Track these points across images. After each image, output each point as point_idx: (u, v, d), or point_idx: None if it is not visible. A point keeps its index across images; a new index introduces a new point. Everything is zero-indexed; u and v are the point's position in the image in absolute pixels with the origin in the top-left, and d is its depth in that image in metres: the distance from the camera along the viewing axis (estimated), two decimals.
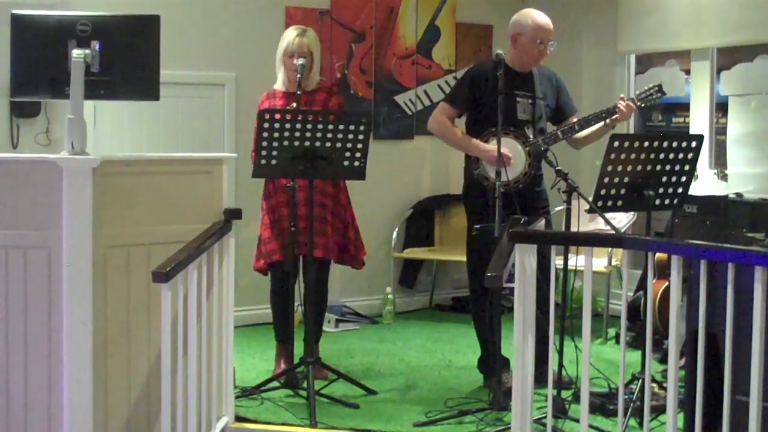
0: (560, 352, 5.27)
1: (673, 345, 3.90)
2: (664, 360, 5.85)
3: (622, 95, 5.67)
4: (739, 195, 6.63)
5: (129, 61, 4.34)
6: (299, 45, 5.82)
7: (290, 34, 5.87)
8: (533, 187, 5.69)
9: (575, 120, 5.72)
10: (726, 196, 6.59)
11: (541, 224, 5.03)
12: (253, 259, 5.99)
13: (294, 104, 5.66)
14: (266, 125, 5.20)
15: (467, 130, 5.78)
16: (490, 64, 5.55)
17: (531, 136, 5.62)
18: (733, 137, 7.51)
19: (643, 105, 5.64)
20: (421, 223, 8.26)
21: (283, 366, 5.89)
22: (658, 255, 5.81)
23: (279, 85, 5.91)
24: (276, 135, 5.22)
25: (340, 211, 5.96)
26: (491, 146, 5.40)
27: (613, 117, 5.57)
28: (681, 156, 5.16)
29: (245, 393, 5.54)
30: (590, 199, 5.07)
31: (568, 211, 5.24)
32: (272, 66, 5.98)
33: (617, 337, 6.91)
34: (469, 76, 5.81)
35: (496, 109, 5.28)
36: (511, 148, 5.52)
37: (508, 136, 5.53)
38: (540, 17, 5.66)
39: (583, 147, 5.93)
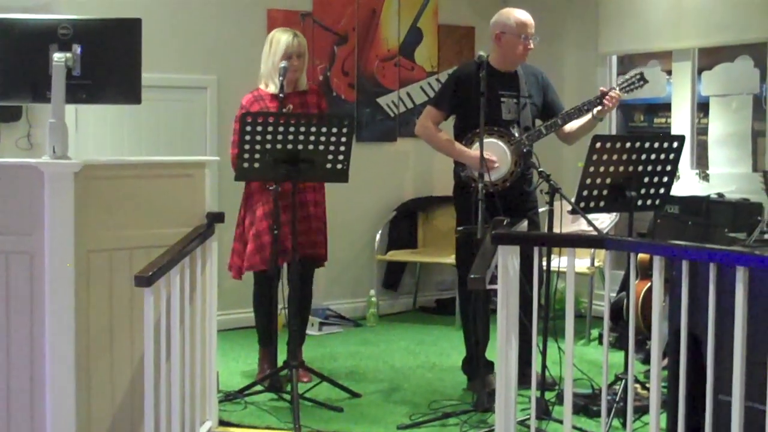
0: (543, 354, 5.28)
1: (655, 345, 3.91)
2: (647, 360, 5.87)
3: (602, 87, 5.69)
4: (720, 195, 6.66)
5: (110, 65, 4.32)
6: (298, 45, 5.84)
7: (286, 37, 5.84)
8: (522, 186, 5.70)
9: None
10: (708, 197, 6.61)
11: (523, 225, 5.03)
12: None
13: (290, 106, 5.66)
14: (248, 128, 5.20)
15: (455, 131, 5.80)
16: (473, 66, 5.56)
17: (516, 136, 5.63)
18: (714, 137, 7.54)
19: (626, 93, 5.65)
20: (404, 225, 8.27)
21: (266, 370, 5.88)
22: (641, 255, 5.84)
23: (272, 89, 5.83)
24: (258, 138, 5.21)
25: (321, 210, 5.99)
26: (475, 153, 5.40)
27: (599, 109, 5.59)
28: (663, 157, 5.17)
29: (229, 397, 5.53)
30: (573, 200, 5.08)
31: (551, 212, 5.26)
32: (254, 68, 5.97)
33: (600, 338, 6.93)
34: (453, 79, 5.83)
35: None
36: (496, 149, 5.53)
37: (493, 136, 5.55)
38: (520, 13, 5.70)
39: (575, 141, 5.93)
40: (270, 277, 5.63)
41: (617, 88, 5.61)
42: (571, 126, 5.76)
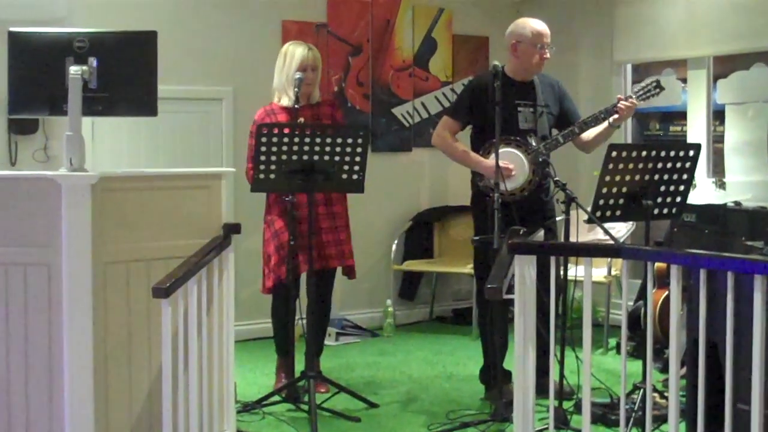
0: (561, 363, 5.27)
1: (673, 354, 3.90)
2: (665, 369, 5.84)
3: (619, 95, 5.69)
4: (737, 203, 6.63)
5: (127, 77, 4.33)
6: (313, 59, 5.88)
7: (300, 50, 5.87)
8: (540, 195, 5.69)
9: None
10: (724, 205, 6.59)
11: (540, 235, 5.03)
12: (255, 277, 6.00)
13: (302, 119, 5.67)
14: (264, 139, 5.21)
15: (472, 141, 5.80)
16: (489, 76, 5.55)
17: (533, 145, 5.63)
18: (730, 145, 7.52)
19: (642, 101, 5.64)
20: (420, 235, 8.27)
21: (284, 380, 5.89)
22: (658, 264, 5.82)
23: (285, 102, 5.87)
24: (274, 149, 5.22)
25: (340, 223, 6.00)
26: (491, 162, 5.40)
27: (616, 117, 5.59)
28: (679, 165, 5.16)
29: (246, 407, 5.54)
30: (589, 209, 5.08)
31: (567, 221, 5.25)
32: (270, 80, 5.98)
33: (618, 347, 6.91)
34: (469, 89, 5.84)
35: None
36: (513, 158, 5.53)
37: (510, 145, 5.55)
38: (536, 23, 5.70)
39: (593, 149, 5.92)
40: (288, 288, 5.64)
41: (633, 96, 5.61)
42: (588, 134, 5.75)
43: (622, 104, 5.56)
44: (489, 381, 5.78)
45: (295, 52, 5.87)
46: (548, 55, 5.70)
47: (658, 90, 5.61)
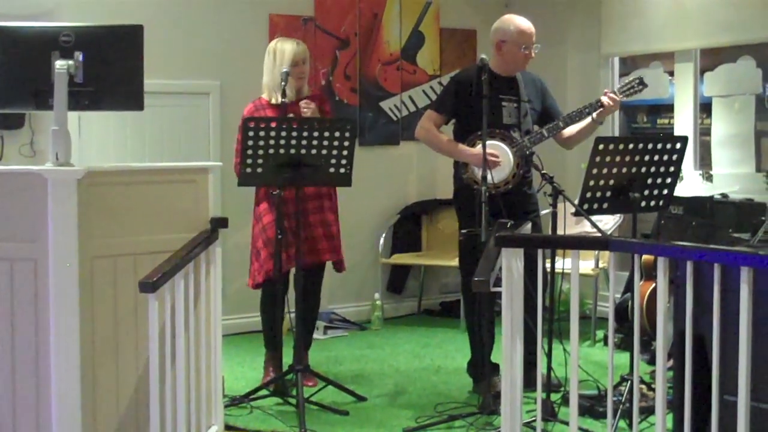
0: (549, 355, 5.28)
1: (660, 346, 3.91)
2: (652, 361, 5.86)
3: (606, 90, 5.71)
4: (724, 195, 6.65)
5: (113, 72, 4.31)
6: (303, 52, 5.88)
7: (290, 46, 5.84)
8: (523, 188, 5.70)
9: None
10: (711, 197, 6.61)
11: (527, 228, 5.03)
12: (243, 271, 5.99)
13: (292, 115, 5.65)
14: (251, 133, 5.20)
15: (455, 135, 5.80)
16: (474, 70, 5.55)
17: (518, 138, 5.63)
18: (717, 138, 7.54)
19: (625, 98, 5.66)
20: (408, 228, 8.27)
21: (271, 374, 5.89)
22: (645, 257, 5.83)
23: (275, 100, 5.84)
24: (261, 143, 5.22)
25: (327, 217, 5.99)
26: (477, 150, 5.41)
27: (599, 111, 5.59)
28: (666, 158, 5.17)
29: (234, 401, 5.53)
30: (576, 201, 5.08)
31: (555, 214, 5.25)
32: (257, 74, 5.97)
33: (605, 339, 6.93)
34: (454, 83, 5.83)
35: (481, 114, 5.29)
36: (498, 150, 5.53)
37: (495, 138, 5.55)
38: (522, 22, 5.68)
39: (574, 146, 5.94)
40: (275, 282, 5.64)
41: (617, 92, 5.61)
42: (571, 130, 5.76)
43: (605, 99, 5.56)
44: (477, 374, 5.78)
45: (285, 48, 5.84)
46: (533, 55, 5.70)
47: (641, 87, 5.62)
